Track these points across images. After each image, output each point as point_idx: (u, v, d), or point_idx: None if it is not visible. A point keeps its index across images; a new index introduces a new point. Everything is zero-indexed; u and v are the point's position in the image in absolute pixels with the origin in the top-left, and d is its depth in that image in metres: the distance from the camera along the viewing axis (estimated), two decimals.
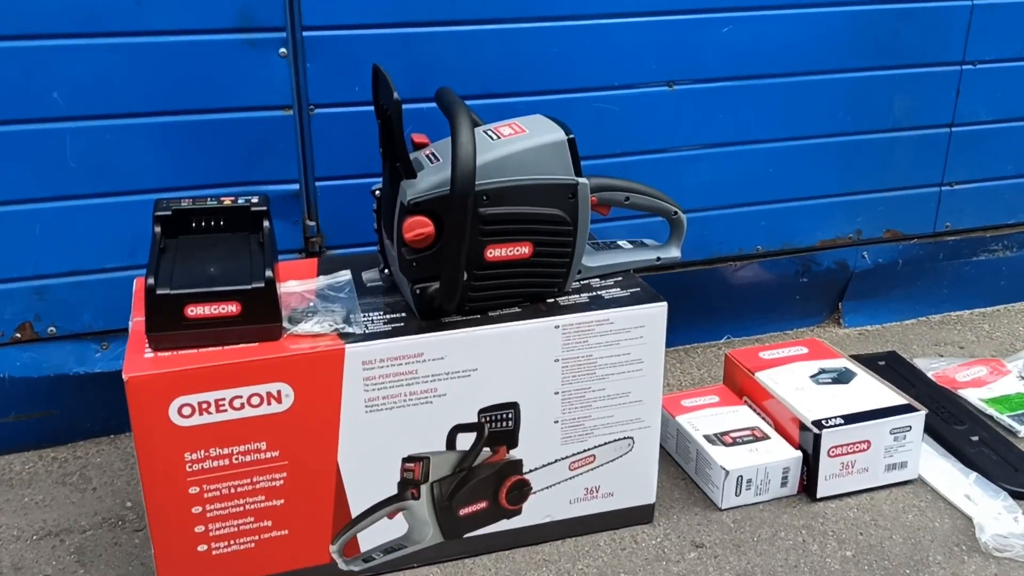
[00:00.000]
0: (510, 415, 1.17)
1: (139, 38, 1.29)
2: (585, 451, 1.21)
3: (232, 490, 1.09)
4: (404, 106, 1.08)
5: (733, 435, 1.36)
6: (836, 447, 1.30)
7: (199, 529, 1.10)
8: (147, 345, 1.06)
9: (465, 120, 1.07)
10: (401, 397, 1.12)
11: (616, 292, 1.21)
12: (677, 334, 1.70)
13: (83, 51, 1.27)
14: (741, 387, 1.45)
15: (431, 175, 1.11)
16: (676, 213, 1.27)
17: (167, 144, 1.34)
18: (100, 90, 1.29)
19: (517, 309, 1.17)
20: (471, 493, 1.18)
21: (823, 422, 1.30)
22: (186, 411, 1.05)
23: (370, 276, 1.24)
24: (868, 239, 1.75)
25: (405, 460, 1.15)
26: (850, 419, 1.31)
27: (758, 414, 1.41)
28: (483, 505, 1.20)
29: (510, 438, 1.18)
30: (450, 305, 1.11)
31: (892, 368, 1.61)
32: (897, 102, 1.66)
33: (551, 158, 1.14)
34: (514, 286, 1.16)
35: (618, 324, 1.17)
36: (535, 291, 1.18)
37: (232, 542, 1.11)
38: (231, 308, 1.06)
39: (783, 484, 1.32)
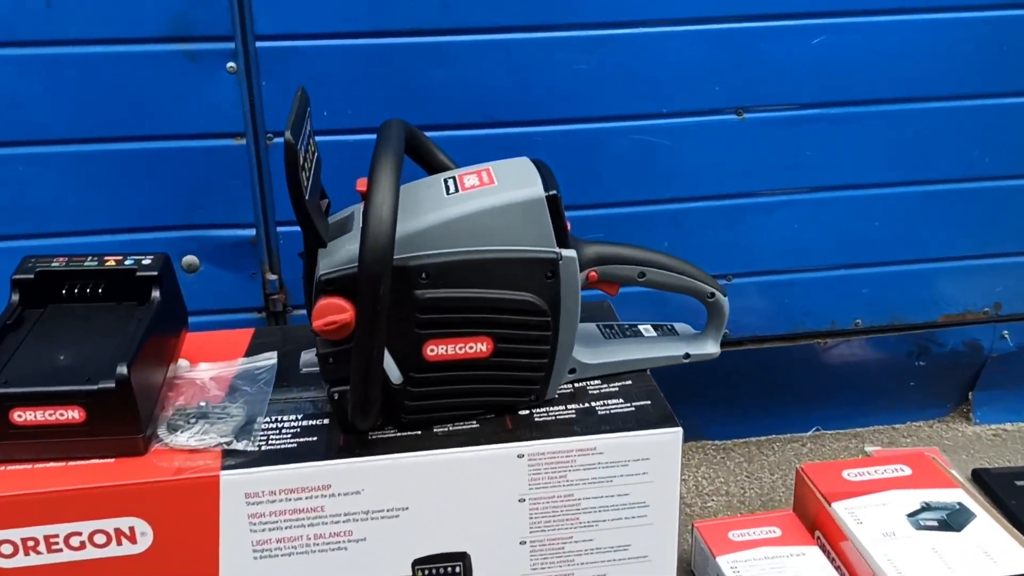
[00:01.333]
0: (458, 569, 0.88)
1: (51, 48, 1.05)
2: None
3: None
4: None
5: None
6: None
7: None
8: None
9: (386, 168, 0.78)
10: (303, 541, 0.85)
11: (617, 404, 0.90)
12: (750, 422, 1.41)
13: None
14: (814, 518, 1.10)
15: (353, 241, 0.82)
16: (713, 295, 0.94)
17: (90, 178, 1.10)
18: (4, 111, 1.06)
19: (474, 424, 0.87)
20: None
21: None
22: (6, 549, 0.80)
23: (309, 359, 0.96)
24: (1010, 315, 1.37)
25: None
26: None
27: (832, 562, 1.05)
28: None
29: None
30: (363, 423, 0.82)
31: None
32: None
33: (522, 223, 0.84)
34: (469, 394, 0.87)
35: (610, 455, 0.86)
36: (500, 400, 0.88)
37: None
38: (72, 414, 0.81)
39: None
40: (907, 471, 1.14)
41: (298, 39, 1.09)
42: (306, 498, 0.84)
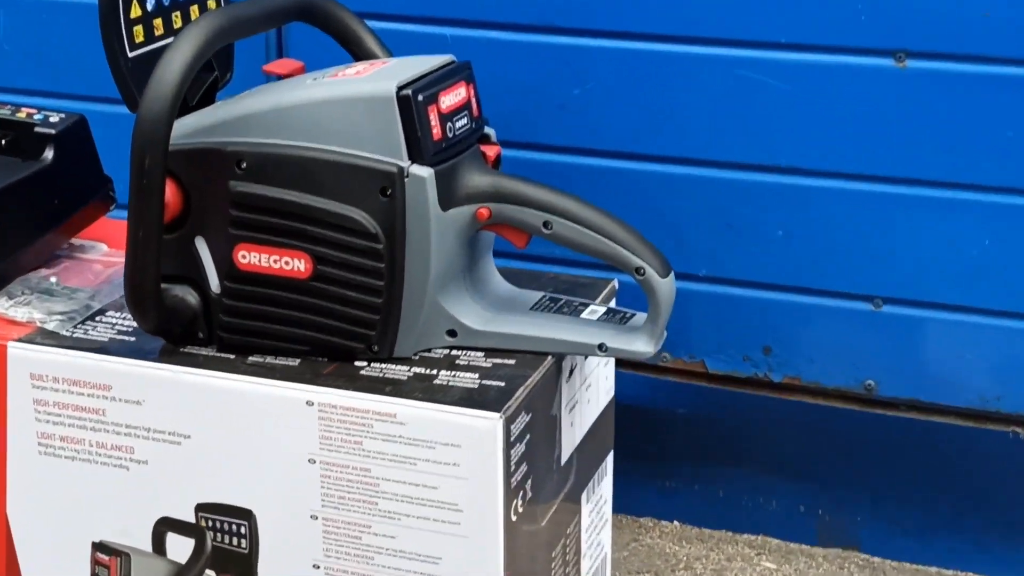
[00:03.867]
0: (243, 529, 0.96)
1: None
2: None
3: None
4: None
5: None
6: None
7: None
8: None
9: (198, 27, 0.90)
10: (85, 446, 0.98)
11: (466, 378, 0.93)
12: (924, 544, 1.32)
13: None
14: None
15: (200, 114, 0.97)
16: (642, 271, 0.93)
17: None
18: None
19: (294, 362, 0.98)
20: None
21: None
22: None
23: None
24: None
25: (96, 547, 1.01)
26: None
27: None
28: None
29: (245, 567, 0.99)
30: (141, 321, 0.95)
31: None
32: None
33: (365, 124, 0.89)
34: (289, 322, 0.95)
35: (412, 429, 0.89)
36: (327, 340, 0.95)
37: None
38: None
39: None
40: None
41: None
42: (88, 395, 0.95)
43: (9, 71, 1.41)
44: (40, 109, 1.12)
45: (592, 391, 1.09)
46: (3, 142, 1.11)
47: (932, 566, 1.33)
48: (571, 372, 1.02)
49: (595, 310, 1.01)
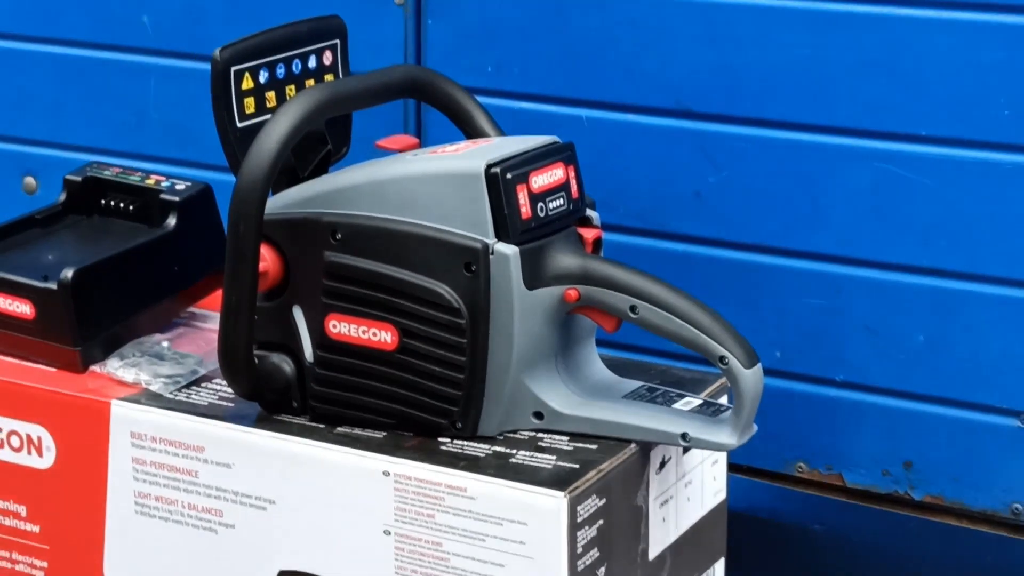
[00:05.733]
0: None
1: None
2: None
3: None
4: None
5: None
6: None
7: None
8: None
9: (300, 100, 1.11)
10: (179, 507, 1.15)
11: (543, 459, 1.12)
12: None
13: None
14: None
15: (303, 186, 1.16)
16: (726, 361, 1.11)
17: None
18: None
19: (380, 434, 1.18)
20: None
21: None
22: None
23: None
24: None
25: None
26: None
27: None
28: None
29: None
30: (234, 384, 1.17)
31: None
32: None
33: (453, 199, 1.06)
34: (376, 394, 1.15)
35: (481, 504, 1.06)
36: (412, 414, 1.15)
37: None
38: (24, 308, 1.26)
39: None
40: None
41: None
42: (182, 455, 1.12)
43: (154, 140, 1.66)
44: (169, 177, 1.32)
45: (693, 489, 1.19)
46: (131, 208, 1.32)
47: None
48: (662, 464, 1.17)
49: (690, 401, 1.12)
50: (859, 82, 1.33)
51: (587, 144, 1.27)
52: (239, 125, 1.14)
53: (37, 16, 1.70)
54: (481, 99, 1.28)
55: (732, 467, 1.35)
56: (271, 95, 1.16)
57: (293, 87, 1.21)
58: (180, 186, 1.31)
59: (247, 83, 1.13)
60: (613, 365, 1.21)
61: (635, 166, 1.42)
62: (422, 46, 1.47)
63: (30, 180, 1.58)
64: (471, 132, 1.23)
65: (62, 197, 1.34)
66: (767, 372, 1.09)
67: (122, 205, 1.34)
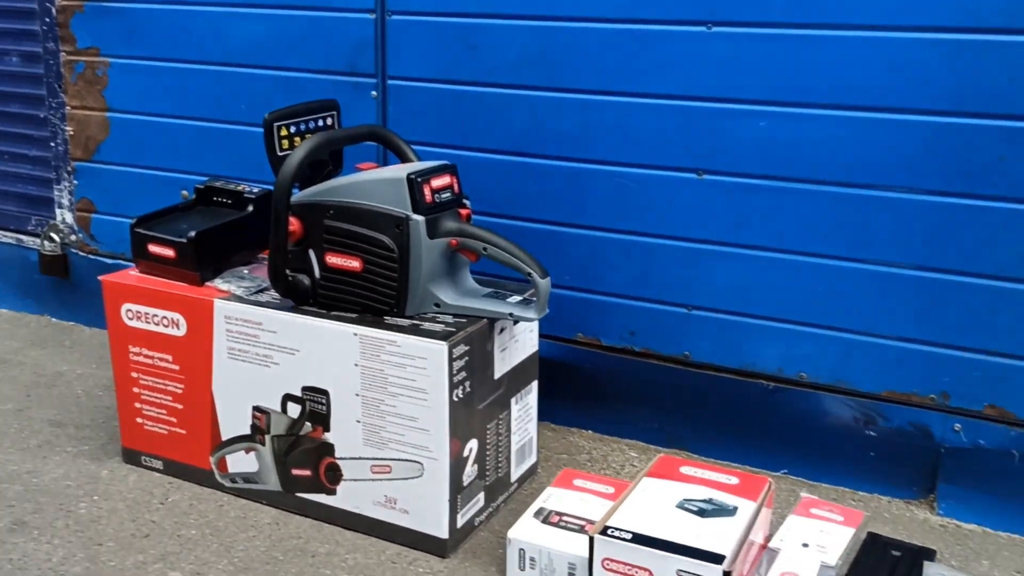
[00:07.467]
0: (323, 400, 1.29)
1: None
2: (383, 459, 1.27)
3: (152, 383, 1.43)
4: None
5: (566, 518, 1.24)
6: (612, 560, 1.12)
7: (137, 405, 1.45)
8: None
9: (312, 141, 1.25)
10: (250, 354, 1.34)
11: (439, 327, 1.24)
12: (726, 448, 1.51)
13: None
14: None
15: (316, 186, 1.31)
16: (531, 275, 1.23)
17: None
18: None
19: (354, 315, 1.29)
20: (299, 458, 1.34)
21: (611, 529, 1.13)
22: (129, 314, 1.42)
23: None
24: (960, 408, 1.34)
25: (255, 408, 1.36)
26: (639, 538, 1.11)
27: None
28: (308, 473, 1.34)
29: (324, 421, 1.30)
30: (277, 288, 1.30)
31: (899, 564, 1.23)
32: (1003, 245, 1.26)
33: (390, 192, 1.24)
34: (349, 294, 1.29)
35: (404, 349, 1.21)
36: (369, 304, 1.28)
37: (152, 423, 1.45)
38: (168, 252, 1.40)
39: None
40: (735, 480, 1.26)
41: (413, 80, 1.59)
42: (251, 327, 1.31)
43: (247, 166, 1.73)
44: (245, 183, 1.49)
45: (518, 344, 1.37)
46: (229, 201, 1.49)
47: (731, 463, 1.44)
48: (502, 330, 1.29)
49: (515, 297, 1.32)
50: None
51: (470, 170, 1.40)
52: (279, 154, 1.21)
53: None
54: (415, 146, 1.42)
55: (543, 335, 1.42)
56: (297, 140, 1.24)
57: (309, 135, 1.26)
58: (255, 189, 1.46)
59: (284, 132, 1.24)
60: (481, 281, 1.35)
61: (488, 180, 1.50)
62: (386, 118, 1.55)
63: (184, 192, 1.65)
64: (404, 160, 1.41)
65: (192, 196, 1.42)
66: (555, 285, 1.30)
67: (224, 200, 1.49)
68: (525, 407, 1.40)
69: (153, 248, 1.41)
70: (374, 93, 1.61)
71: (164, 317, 1.39)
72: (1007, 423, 1.32)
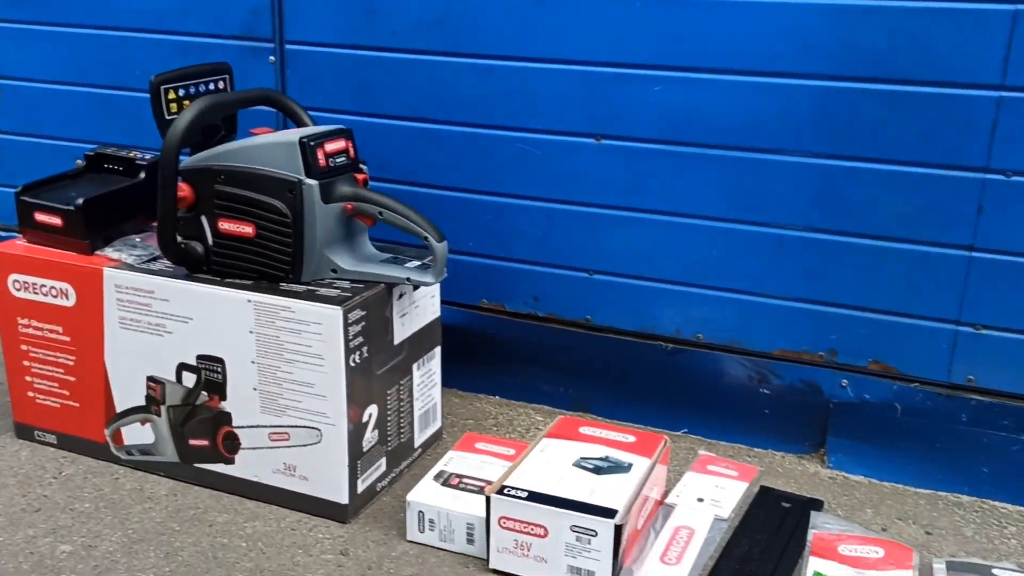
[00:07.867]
0: (219, 368, 1.27)
1: None
2: (281, 427, 1.26)
3: (43, 356, 1.39)
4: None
5: (466, 480, 1.25)
6: (508, 519, 1.13)
7: (27, 379, 1.41)
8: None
9: (198, 103, 1.22)
10: (142, 323, 1.31)
11: (335, 292, 1.23)
12: (630, 410, 1.53)
13: None
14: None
15: (206, 152, 1.28)
16: (427, 239, 1.23)
17: None
18: None
19: (249, 282, 1.27)
20: (196, 428, 1.31)
21: (507, 488, 1.14)
22: (16, 285, 1.37)
23: None
24: (846, 364, 1.38)
25: (149, 379, 1.33)
26: (534, 496, 1.13)
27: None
28: (205, 443, 1.32)
29: (220, 390, 1.28)
30: (167, 255, 1.27)
31: (788, 515, 1.27)
32: (884, 205, 1.30)
33: (282, 156, 1.22)
34: (243, 260, 1.27)
35: (298, 315, 1.20)
36: (264, 271, 1.26)
37: (44, 397, 1.41)
38: (56, 220, 1.36)
39: (469, 541, 1.19)
40: (632, 439, 1.29)
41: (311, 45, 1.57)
42: (143, 296, 1.28)
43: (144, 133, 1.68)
44: (137, 150, 1.46)
45: (419, 309, 1.36)
46: (120, 168, 1.46)
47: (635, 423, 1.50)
48: (401, 295, 1.28)
49: (413, 262, 1.32)
50: None
51: (372, 136, 1.42)
52: (167, 118, 1.19)
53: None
54: (315, 112, 1.43)
55: (448, 302, 1.42)
56: (186, 103, 1.21)
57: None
58: (146, 156, 1.41)
59: (172, 95, 1.20)
60: (380, 247, 1.33)
61: (390, 146, 1.49)
62: (285, 83, 1.54)
63: (79, 161, 1.60)
64: (300, 124, 1.39)
65: (83, 163, 1.38)
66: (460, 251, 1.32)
67: (115, 167, 1.46)
68: (428, 373, 1.40)
69: (40, 216, 1.36)
70: (272, 58, 1.58)
71: (52, 287, 1.35)
72: (890, 377, 1.37)
